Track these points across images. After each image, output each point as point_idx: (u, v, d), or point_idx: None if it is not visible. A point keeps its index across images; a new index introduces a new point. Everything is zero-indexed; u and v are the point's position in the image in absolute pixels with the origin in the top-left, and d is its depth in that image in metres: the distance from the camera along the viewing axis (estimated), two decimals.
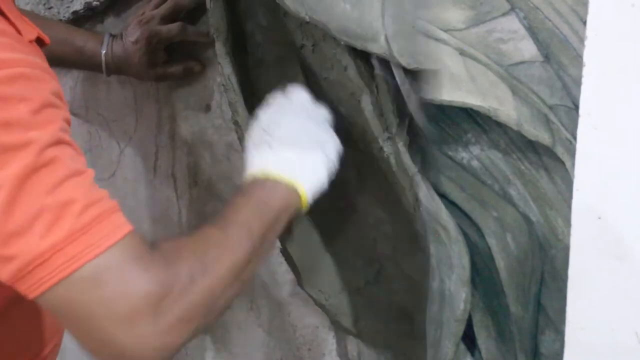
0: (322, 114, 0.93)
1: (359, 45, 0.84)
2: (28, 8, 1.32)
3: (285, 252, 1.09)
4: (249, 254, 0.77)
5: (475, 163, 0.90)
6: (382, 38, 0.81)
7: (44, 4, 1.32)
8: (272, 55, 1.05)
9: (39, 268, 0.65)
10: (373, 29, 0.81)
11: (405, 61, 0.81)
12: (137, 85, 1.31)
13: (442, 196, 0.91)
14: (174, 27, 1.17)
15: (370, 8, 0.81)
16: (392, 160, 0.91)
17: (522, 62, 0.79)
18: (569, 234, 0.74)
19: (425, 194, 0.89)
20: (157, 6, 1.17)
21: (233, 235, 0.77)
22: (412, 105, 0.86)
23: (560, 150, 0.80)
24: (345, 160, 1.03)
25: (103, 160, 1.40)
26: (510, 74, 0.80)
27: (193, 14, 1.19)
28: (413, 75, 0.85)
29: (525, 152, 0.85)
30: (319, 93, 1.02)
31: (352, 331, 1.12)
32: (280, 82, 1.05)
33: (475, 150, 0.89)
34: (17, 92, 0.68)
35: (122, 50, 1.19)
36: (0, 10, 0.76)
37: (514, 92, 0.80)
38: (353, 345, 1.20)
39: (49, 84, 0.72)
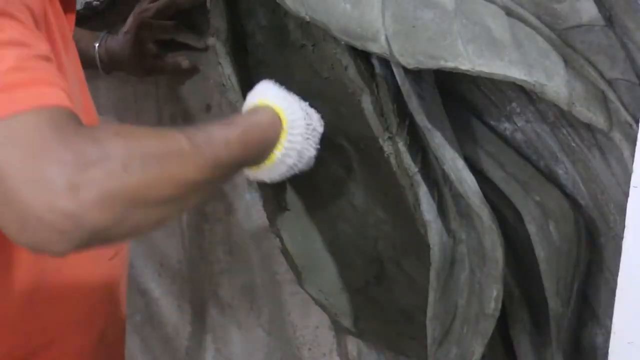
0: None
1: (359, 45, 0.83)
2: None
3: (285, 252, 1.09)
4: (207, 176, 0.72)
5: (519, 136, 0.83)
6: (383, 38, 0.81)
7: None
8: (272, 55, 1.05)
9: None
10: (373, 29, 0.81)
11: (405, 61, 0.81)
12: (137, 84, 1.31)
13: (479, 173, 0.85)
14: (168, 24, 1.18)
15: (370, 7, 0.81)
16: (392, 160, 0.91)
17: (578, 26, 0.70)
18: (621, 222, 0.67)
19: (426, 193, 0.88)
20: (154, 0, 1.18)
21: (201, 152, 0.71)
22: (413, 105, 0.85)
23: (617, 136, 0.72)
24: (345, 160, 1.03)
25: None
26: (563, 40, 0.71)
27: (193, 14, 1.19)
28: (414, 74, 0.85)
29: (576, 128, 0.78)
30: (319, 93, 1.02)
31: (352, 331, 1.12)
32: (280, 82, 1.06)
33: (520, 121, 0.83)
34: None
35: (116, 43, 1.20)
36: None
37: (567, 62, 0.71)
38: (353, 345, 1.20)
39: None
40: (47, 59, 0.67)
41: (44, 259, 0.75)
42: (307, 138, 0.91)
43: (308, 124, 0.91)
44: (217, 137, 0.75)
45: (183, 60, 1.21)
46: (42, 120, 0.62)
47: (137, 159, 0.64)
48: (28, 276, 0.87)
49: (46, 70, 0.66)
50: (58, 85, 0.66)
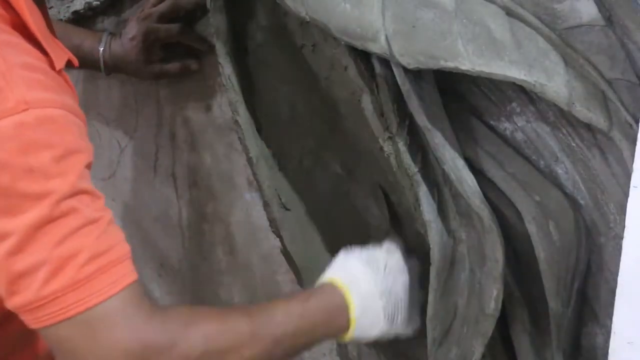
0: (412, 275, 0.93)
1: (359, 45, 0.83)
2: None
3: (285, 252, 1.09)
4: (262, 356, 0.78)
5: (519, 135, 0.83)
6: (383, 38, 0.81)
7: None
8: (272, 55, 1.05)
9: (38, 309, 0.69)
10: (373, 29, 0.81)
11: (405, 61, 0.81)
12: (137, 85, 1.31)
13: (479, 172, 0.85)
14: (174, 27, 1.17)
15: (370, 7, 0.81)
16: (393, 160, 0.91)
17: (578, 26, 0.70)
18: (621, 222, 0.68)
19: (426, 193, 0.88)
20: (155, 4, 1.18)
21: (257, 339, 0.77)
22: (413, 105, 0.85)
23: (617, 136, 0.72)
24: (345, 160, 1.03)
25: (103, 160, 1.40)
26: (563, 40, 0.71)
27: (193, 14, 1.19)
28: (414, 74, 0.85)
29: (576, 128, 0.79)
30: (319, 93, 1.02)
31: None
32: (280, 82, 1.06)
33: (520, 121, 0.83)
34: (43, 137, 0.70)
35: (120, 47, 1.19)
36: (34, 37, 0.77)
37: (567, 62, 0.71)
38: (353, 345, 1.20)
39: (75, 126, 0.74)
40: (110, 222, 0.73)
41: None
42: (388, 315, 0.89)
43: (385, 304, 0.89)
44: (277, 320, 0.80)
45: (192, 63, 1.21)
46: (116, 311, 0.70)
47: (198, 351, 0.72)
48: None
49: (111, 245, 0.72)
50: (124, 255, 0.72)
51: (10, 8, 0.76)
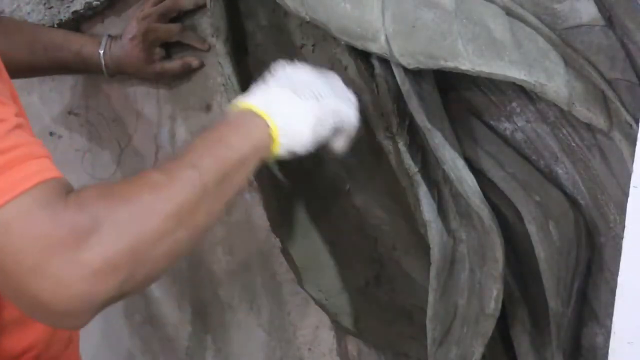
0: (338, 80, 0.86)
1: (359, 45, 0.83)
2: (28, 8, 1.32)
3: (285, 252, 1.09)
4: (197, 198, 0.70)
5: (519, 135, 0.84)
6: (383, 38, 0.81)
7: (44, 4, 1.32)
8: (273, 55, 1.05)
9: None
10: (373, 29, 0.81)
11: (405, 61, 0.81)
12: (137, 84, 1.31)
13: (479, 172, 0.85)
14: (173, 26, 1.18)
15: (370, 8, 0.81)
16: (392, 160, 0.91)
17: (578, 26, 0.70)
18: (621, 222, 0.68)
19: (426, 193, 0.88)
20: (155, 4, 1.18)
21: (177, 178, 0.70)
22: (413, 105, 0.85)
23: (617, 136, 0.73)
24: (345, 160, 1.03)
25: (103, 160, 1.40)
26: (563, 40, 0.71)
27: (193, 14, 1.19)
28: (414, 74, 0.85)
29: (576, 128, 0.79)
30: None
31: (352, 331, 1.12)
32: None
33: (520, 121, 0.83)
34: None
35: (120, 48, 1.20)
36: None
37: (567, 62, 0.72)
38: (353, 345, 1.20)
39: None
40: (19, 125, 0.67)
41: None
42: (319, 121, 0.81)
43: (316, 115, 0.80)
44: (188, 159, 0.73)
45: (193, 60, 1.21)
46: (31, 204, 0.62)
47: (124, 216, 0.65)
48: None
49: (18, 144, 0.66)
50: (37, 154, 0.66)
51: None
